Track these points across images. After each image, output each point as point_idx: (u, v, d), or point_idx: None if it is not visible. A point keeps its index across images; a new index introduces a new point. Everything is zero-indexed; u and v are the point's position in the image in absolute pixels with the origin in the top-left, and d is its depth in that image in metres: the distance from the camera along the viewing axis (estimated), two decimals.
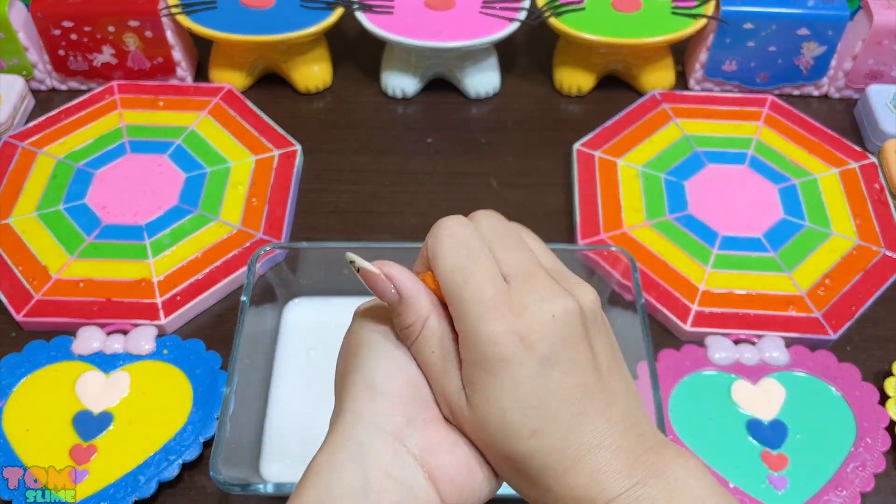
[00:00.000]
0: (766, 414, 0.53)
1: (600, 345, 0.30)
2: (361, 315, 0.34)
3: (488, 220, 0.32)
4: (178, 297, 0.58)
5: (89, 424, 0.51)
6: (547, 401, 0.28)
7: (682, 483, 0.28)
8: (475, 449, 0.31)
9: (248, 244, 0.61)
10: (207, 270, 0.60)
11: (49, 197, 0.64)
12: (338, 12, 0.71)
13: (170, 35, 0.71)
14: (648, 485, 0.27)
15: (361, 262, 0.32)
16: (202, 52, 0.77)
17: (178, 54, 0.73)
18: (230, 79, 0.74)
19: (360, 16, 0.71)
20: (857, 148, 0.69)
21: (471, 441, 0.31)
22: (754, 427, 0.52)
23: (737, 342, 0.56)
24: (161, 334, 0.57)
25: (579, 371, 0.29)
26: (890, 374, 0.55)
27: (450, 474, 0.30)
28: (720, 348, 0.55)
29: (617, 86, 0.76)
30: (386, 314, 0.33)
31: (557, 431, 0.28)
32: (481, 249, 0.31)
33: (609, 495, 0.27)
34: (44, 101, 0.75)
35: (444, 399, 0.30)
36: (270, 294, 0.56)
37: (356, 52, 0.79)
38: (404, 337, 0.31)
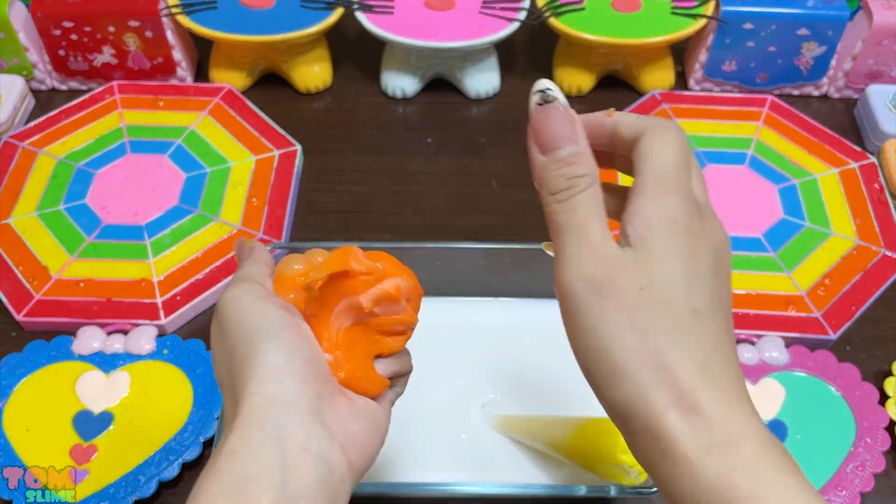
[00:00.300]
0: (766, 414, 0.53)
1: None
2: (237, 304, 0.33)
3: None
4: (179, 297, 0.58)
5: (89, 424, 0.51)
6: (709, 287, 0.28)
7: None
8: (374, 416, 0.33)
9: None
10: (208, 270, 0.60)
11: (49, 197, 0.64)
12: (338, 12, 0.71)
13: (170, 35, 0.71)
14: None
15: (558, 93, 0.31)
16: (202, 53, 0.77)
17: (178, 54, 0.73)
18: (230, 79, 0.74)
19: (360, 16, 0.71)
20: (857, 148, 0.69)
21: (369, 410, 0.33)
22: None
23: (736, 342, 0.56)
24: (161, 334, 0.57)
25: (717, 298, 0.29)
26: (890, 373, 0.55)
27: (358, 441, 0.32)
28: None
29: (617, 86, 0.76)
30: (262, 298, 0.33)
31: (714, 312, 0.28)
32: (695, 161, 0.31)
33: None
34: (44, 101, 0.75)
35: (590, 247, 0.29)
36: None
37: (356, 53, 0.79)
38: (570, 185, 0.29)
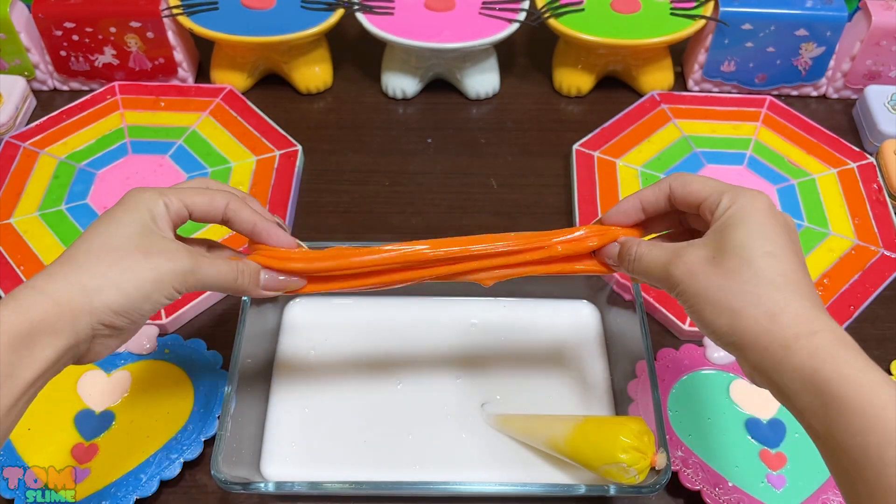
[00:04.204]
0: (765, 413, 0.53)
1: None
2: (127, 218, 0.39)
3: None
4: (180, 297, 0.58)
5: (91, 423, 0.52)
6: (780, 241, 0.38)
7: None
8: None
9: (246, 245, 0.61)
10: None
11: (51, 197, 0.64)
12: (338, 13, 0.71)
13: (171, 36, 0.72)
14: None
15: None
16: (203, 53, 0.78)
17: (179, 55, 0.73)
18: (231, 79, 0.74)
19: (361, 17, 0.71)
20: (856, 148, 0.69)
21: None
22: (753, 426, 0.52)
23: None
24: (162, 334, 0.57)
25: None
26: (888, 373, 0.55)
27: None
28: (719, 348, 0.56)
29: (616, 86, 0.77)
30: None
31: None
32: None
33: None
34: (45, 101, 0.75)
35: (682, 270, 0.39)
36: None
37: (356, 53, 0.80)
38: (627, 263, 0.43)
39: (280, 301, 0.58)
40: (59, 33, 0.71)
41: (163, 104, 0.72)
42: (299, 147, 0.69)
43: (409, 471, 0.50)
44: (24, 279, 0.59)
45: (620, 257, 0.43)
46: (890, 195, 0.66)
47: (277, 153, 0.68)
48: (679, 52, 0.78)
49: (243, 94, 0.74)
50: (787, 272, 0.36)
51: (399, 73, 0.74)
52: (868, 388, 0.33)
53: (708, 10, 0.72)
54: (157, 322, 0.57)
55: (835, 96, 0.76)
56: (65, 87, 0.76)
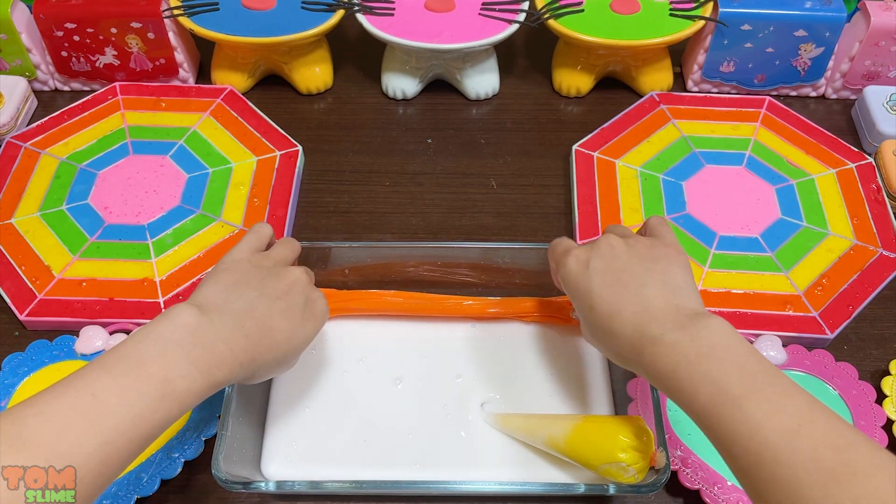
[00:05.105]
0: None
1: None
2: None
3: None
4: (181, 297, 0.58)
5: None
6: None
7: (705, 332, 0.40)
8: None
9: None
10: (209, 270, 0.60)
11: (52, 197, 0.65)
12: (339, 14, 0.71)
13: (172, 36, 0.72)
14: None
15: None
16: (204, 54, 0.78)
17: (180, 56, 0.74)
18: (232, 80, 0.74)
19: (361, 17, 0.71)
20: (854, 149, 0.70)
21: None
22: None
23: None
24: None
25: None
26: (887, 373, 0.55)
27: None
28: None
29: (615, 87, 0.77)
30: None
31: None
32: None
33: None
34: (47, 102, 0.76)
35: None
36: None
37: (357, 54, 0.80)
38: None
39: None
40: (61, 34, 0.71)
41: (164, 105, 0.72)
42: (300, 147, 0.69)
43: (409, 471, 0.50)
44: (25, 279, 0.59)
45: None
46: (888, 195, 0.66)
47: (278, 153, 0.68)
48: (678, 53, 0.78)
49: (244, 94, 0.75)
50: (608, 313, 0.43)
51: (399, 73, 0.74)
52: None
53: (707, 10, 0.72)
54: None
55: (834, 97, 0.77)
56: (66, 88, 0.77)
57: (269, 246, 0.50)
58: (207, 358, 0.40)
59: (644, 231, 0.50)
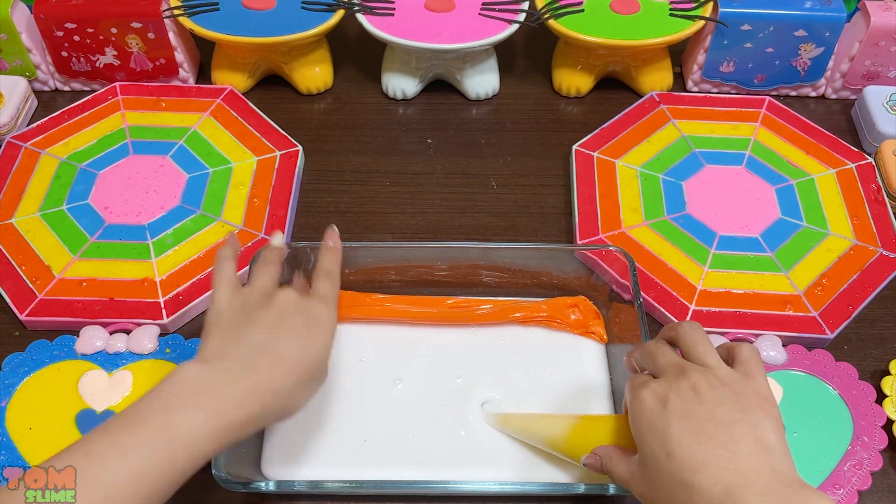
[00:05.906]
0: None
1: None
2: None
3: None
4: (181, 297, 0.58)
5: (92, 423, 0.52)
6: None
7: None
8: None
9: (249, 244, 0.62)
10: (209, 270, 0.60)
11: (52, 197, 0.65)
12: (339, 14, 0.71)
13: (172, 36, 0.72)
14: None
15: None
16: (204, 54, 0.78)
17: (180, 56, 0.74)
18: (232, 80, 0.74)
19: (361, 18, 0.71)
20: (854, 149, 0.70)
21: None
22: None
23: (734, 341, 0.57)
24: (163, 333, 0.57)
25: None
26: (887, 372, 0.55)
27: None
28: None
29: (615, 87, 0.77)
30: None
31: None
32: None
33: None
34: (47, 102, 0.76)
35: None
36: None
37: (357, 54, 0.80)
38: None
39: None
40: (61, 34, 0.71)
41: (164, 105, 0.72)
42: (300, 147, 0.69)
43: (409, 470, 0.50)
44: (25, 279, 0.59)
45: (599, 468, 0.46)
46: (888, 195, 0.66)
47: (278, 153, 0.68)
48: (678, 53, 0.78)
49: (244, 94, 0.75)
50: (690, 465, 0.38)
51: (399, 73, 0.74)
52: None
53: (707, 10, 0.72)
54: (159, 322, 0.57)
55: (833, 97, 0.77)
56: (66, 88, 0.77)
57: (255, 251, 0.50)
58: (216, 401, 0.40)
59: (729, 356, 0.44)
